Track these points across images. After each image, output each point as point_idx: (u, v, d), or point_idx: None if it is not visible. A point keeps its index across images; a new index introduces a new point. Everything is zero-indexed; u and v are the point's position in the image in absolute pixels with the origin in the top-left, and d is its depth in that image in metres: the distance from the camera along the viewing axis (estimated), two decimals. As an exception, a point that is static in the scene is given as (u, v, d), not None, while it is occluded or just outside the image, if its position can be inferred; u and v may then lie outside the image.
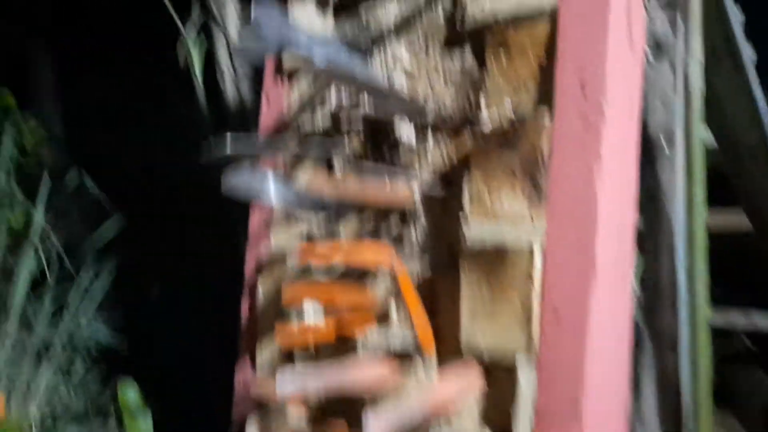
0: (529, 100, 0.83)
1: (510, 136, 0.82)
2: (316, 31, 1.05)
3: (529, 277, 0.77)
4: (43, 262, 2.14)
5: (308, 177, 1.02)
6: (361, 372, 0.86)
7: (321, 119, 1.04)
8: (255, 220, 1.11)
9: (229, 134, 0.87)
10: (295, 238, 1.05)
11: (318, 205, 0.94)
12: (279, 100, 1.11)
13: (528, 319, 0.77)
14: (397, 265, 0.82)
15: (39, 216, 2.20)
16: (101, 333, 2.21)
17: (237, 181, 0.86)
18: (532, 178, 0.80)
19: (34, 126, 2.47)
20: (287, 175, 1.04)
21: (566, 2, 0.80)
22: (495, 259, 0.80)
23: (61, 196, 2.44)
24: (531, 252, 0.77)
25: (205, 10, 1.90)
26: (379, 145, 0.97)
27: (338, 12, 1.06)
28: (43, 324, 2.14)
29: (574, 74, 0.78)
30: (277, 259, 1.06)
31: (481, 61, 0.89)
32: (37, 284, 2.20)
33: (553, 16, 0.81)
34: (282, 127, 1.09)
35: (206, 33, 1.90)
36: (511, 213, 0.81)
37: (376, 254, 0.87)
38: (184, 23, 1.91)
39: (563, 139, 0.78)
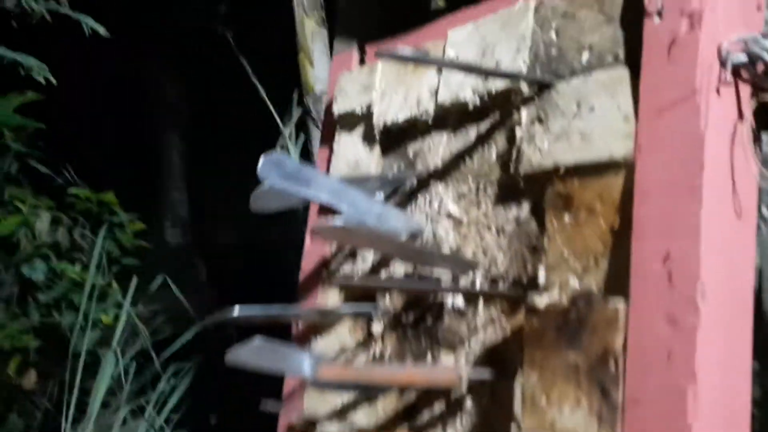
0: (599, 282, 0.64)
1: (574, 328, 0.63)
2: (350, 175, 0.93)
3: None
4: (120, 364, 2.13)
5: (342, 347, 0.88)
6: None
7: (360, 272, 0.90)
8: (289, 383, 0.97)
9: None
10: (327, 406, 0.90)
11: (356, 384, 0.79)
12: (322, 240, 0.98)
13: None
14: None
15: (124, 313, 2.22)
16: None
17: (266, 358, 0.74)
18: (603, 389, 0.60)
19: (135, 221, 2.54)
20: (318, 342, 0.91)
21: (645, 151, 0.61)
22: (553, 494, 0.60)
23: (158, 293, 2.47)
24: (601, 496, 0.57)
25: (302, 106, 1.92)
26: (422, 308, 0.81)
27: (386, 148, 0.93)
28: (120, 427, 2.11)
29: (657, 253, 0.58)
30: (308, 429, 0.91)
31: (540, 219, 0.71)
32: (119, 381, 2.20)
33: (629, 170, 0.63)
34: (319, 280, 0.96)
35: (303, 129, 1.91)
36: (574, 432, 0.61)
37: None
38: (283, 120, 1.95)
39: (643, 344, 0.58)
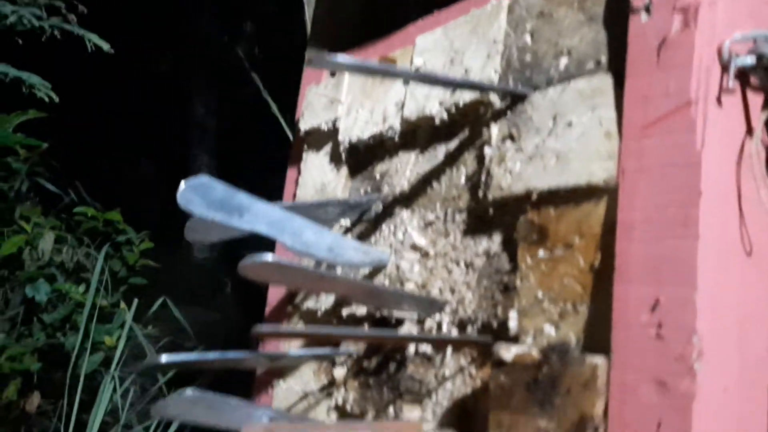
0: (577, 332, 0.53)
1: (546, 387, 0.52)
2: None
3: None
4: (117, 393, 2.06)
5: (305, 392, 0.78)
6: None
7: (324, 308, 0.80)
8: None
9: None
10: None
11: None
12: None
13: None
14: None
15: (124, 335, 2.16)
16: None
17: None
18: (578, 466, 0.49)
19: (142, 240, 2.50)
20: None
21: (629, 175, 0.50)
22: None
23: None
24: None
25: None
26: (384, 354, 0.71)
27: (353, 169, 0.83)
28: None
29: (644, 300, 0.47)
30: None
31: (512, 253, 0.61)
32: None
33: (611, 197, 0.52)
34: (288, 305, 0.87)
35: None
36: None
37: None
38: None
39: (627, 412, 0.47)
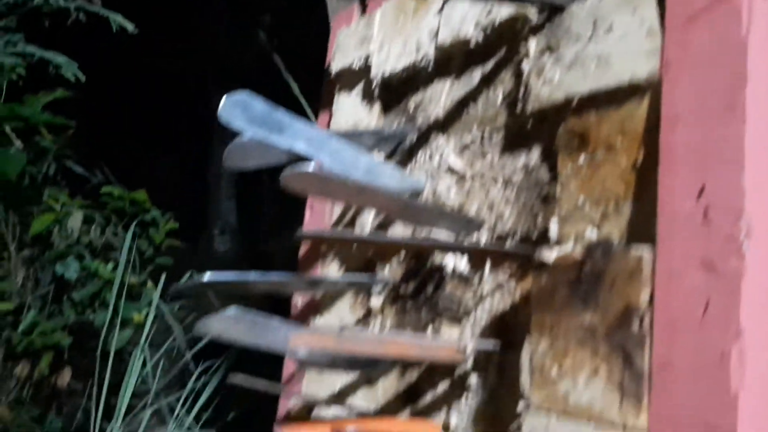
0: (620, 230, 0.53)
1: (589, 283, 0.52)
2: (357, 125, 0.84)
3: None
4: (148, 366, 2.10)
5: (342, 325, 0.79)
6: None
7: (359, 241, 0.81)
8: (288, 366, 0.89)
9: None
10: (326, 389, 0.81)
11: (350, 362, 0.70)
12: (322, 212, 0.90)
13: None
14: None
15: (153, 310, 2.19)
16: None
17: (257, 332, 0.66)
18: (625, 354, 0.49)
19: (167, 220, 2.52)
20: (317, 318, 0.82)
21: (673, 68, 0.50)
22: (567, 483, 0.50)
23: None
24: (623, 484, 0.46)
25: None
26: (422, 277, 0.72)
27: (386, 105, 0.84)
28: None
29: (689, 188, 0.47)
30: (305, 415, 0.82)
31: (551, 164, 0.61)
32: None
33: (654, 94, 0.52)
34: (321, 247, 0.88)
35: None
36: (592, 409, 0.50)
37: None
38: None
39: (674, 297, 0.47)
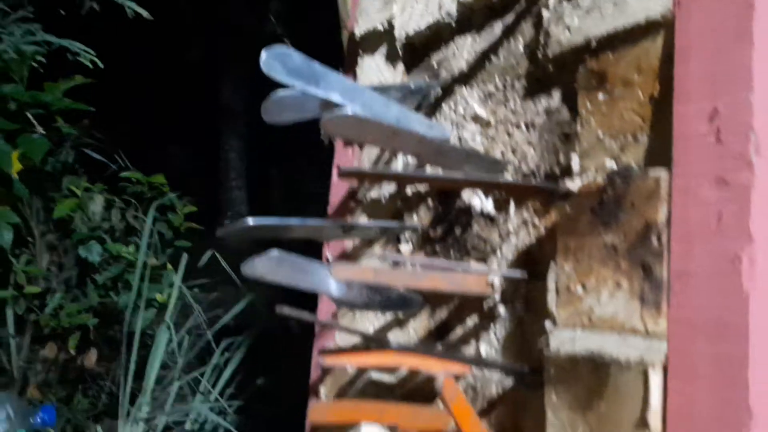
0: (638, 159, 0.57)
1: (611, 207, 0.56)
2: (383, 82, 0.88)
3: (643, 421, 0.50)
4: (174, 341, 2.16)
5: (372, 263, 0.84)
6: None
7: (387, 194, 0.86)
8: (322, 308, 0.94)
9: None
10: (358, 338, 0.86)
11: (382, 300, 0.75)
12: (350, 166, 0.95)
13: (644, 488, 0.50)
14: (449, 393, 0.59)
15: (176, 290, 2.24)
16: (227, 416, 2.16)
17: (288, 272, 0.71)
18: (645, 267, 0.53)
19: (185, 204, 2.57)
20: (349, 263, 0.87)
21: (685, 5, 0.54)
22: (593, 386, 0.54)
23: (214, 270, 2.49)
24: (646, 382, 0.51)
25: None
26: (450, 220, 0.76)
27: (410, 65, 0.88)
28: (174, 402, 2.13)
29: (703, 112, 0.52)
30: (341, 354, 0.87)
31: (572, 105, 0.65)
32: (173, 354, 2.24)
33: (668, 30, 0.56)
34: (350, 203, 0.93)
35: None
36: (615, 319, 0.55)
37: (421, 365, 0.64)
38: None
39: (689, 212, 0.51)
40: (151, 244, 2.30)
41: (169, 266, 2.42)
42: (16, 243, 2.18)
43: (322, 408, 0.72)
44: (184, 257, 2.31)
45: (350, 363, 0.71)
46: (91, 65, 2.35)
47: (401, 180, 0.76)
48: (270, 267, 0.71)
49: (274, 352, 2.54)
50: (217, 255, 2.42)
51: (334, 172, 0.98)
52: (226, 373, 2.23)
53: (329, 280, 0.73)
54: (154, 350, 2.19)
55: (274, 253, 0.71)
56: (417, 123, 0.74)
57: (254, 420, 2.19)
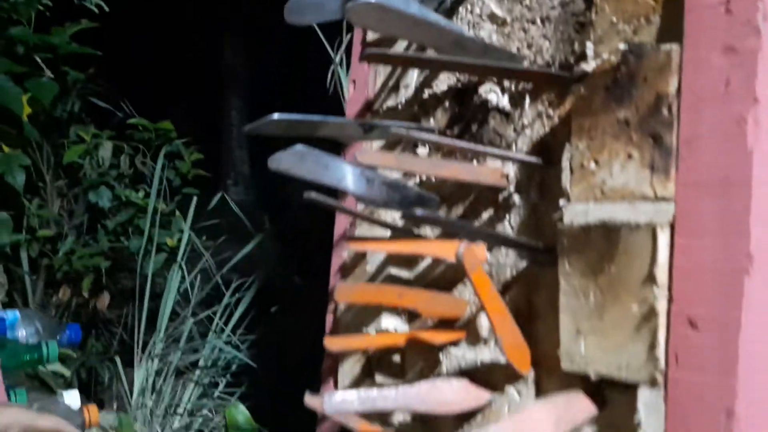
0: (651, 39, 0.60)
1: (624, 83, 0.60)
2: None
3: (651, 276, 0.54)
4: (186, 281, 2.21)
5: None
6: (439, 393, 0.68)
7: (404, 100, 0.89)
8: (340, 221, 0.98)
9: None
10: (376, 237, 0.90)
11: (401, 198, 0.78)
12: (365, 84, 0.98)
13: (651, 333, 0.54)
14: (469, 261, 0.63)
15: (186, 232, 2.28)
16: (240, 351, 2.22)
17: (308, 166, 0.74)
18: (655, 137, 0.57)
19: (192, 151, 2.59)
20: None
21: None
22: (603, 251, 0.58)
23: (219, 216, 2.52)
24: (654, 241, 0.55)
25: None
26: (466, 118, 0.80)
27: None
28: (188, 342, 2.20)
29: (714, -15, 0.54)
30: (359, 263, 0.92)
31: (586, -5, 0.68)
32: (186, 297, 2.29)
33: None
34: (367, 112, 0.96)
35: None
36: (625, 188, 0.58)
37: (440, 249, 0.69)
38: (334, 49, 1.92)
39: (699, 81, 0.54)
40: (160, 190, 2.33)
41: (178, 213, 2.46)
42: (27, 188, 2.20)
43: (346, 288, 0.76)
44: (194, 201, 2.35)
45: (373, 248, 0.75)
46: (96, 9, 2.35)
47: (425, 66, 0.79)
48: (294, 161, 0.74)
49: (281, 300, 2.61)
50: (227, 197, 2.47)
51: (350, 83, 1.01)
52: (238, 313, 2.30)
53: (350, 176, 0.77)
54: (167, 291, 2.25)
55: (299, 147, 0.74)
56: (434, 18, 0.77)
57: (266, 354, 2.27)
